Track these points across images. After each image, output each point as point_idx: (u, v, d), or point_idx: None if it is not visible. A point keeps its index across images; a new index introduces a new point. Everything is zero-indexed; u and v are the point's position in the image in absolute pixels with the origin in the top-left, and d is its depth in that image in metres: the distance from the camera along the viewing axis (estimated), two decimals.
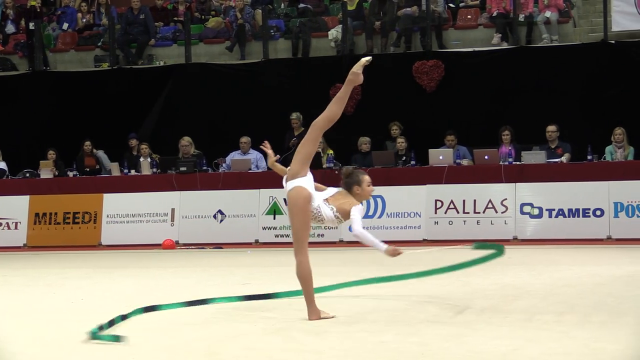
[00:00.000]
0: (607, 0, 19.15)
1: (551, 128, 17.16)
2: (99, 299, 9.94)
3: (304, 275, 8.16)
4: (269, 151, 9.18)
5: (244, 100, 20.08)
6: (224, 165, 18.26)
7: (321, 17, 21.25)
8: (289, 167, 8.62)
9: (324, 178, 17.07)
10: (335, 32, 20.53)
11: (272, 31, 20.99)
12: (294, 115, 18.64)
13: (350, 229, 8.39)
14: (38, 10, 22.57)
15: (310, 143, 8.44)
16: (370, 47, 20.24)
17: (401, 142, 17.85)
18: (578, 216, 15.99)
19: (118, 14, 22.37)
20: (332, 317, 8.14)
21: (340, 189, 8.65)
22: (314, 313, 8.09)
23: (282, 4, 22.28)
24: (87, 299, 9.99)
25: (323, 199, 8.48)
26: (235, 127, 19.31)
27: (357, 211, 8.40)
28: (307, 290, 8.14)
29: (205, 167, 18.07)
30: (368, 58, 8.39)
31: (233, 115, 19.90)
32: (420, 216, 16.54)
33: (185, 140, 18.49)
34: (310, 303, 8.14)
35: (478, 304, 8.81)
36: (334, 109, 8.50)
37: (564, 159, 16.76)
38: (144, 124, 20.35)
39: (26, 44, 21.89)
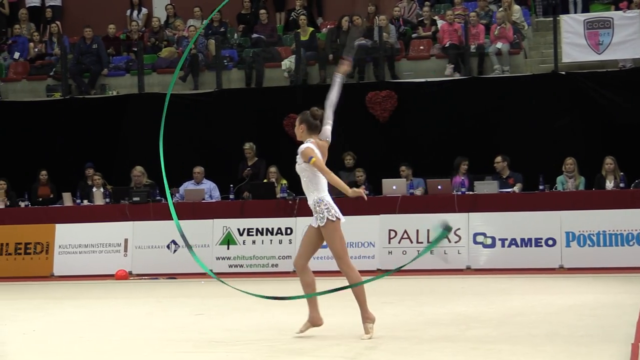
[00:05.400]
0: (558, 32, 19.41)
1: (498, 159, 17.31)
2: (51, 330, 9.85)
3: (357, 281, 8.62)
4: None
5: (198, 130, 20.04)
6: (177, 195, 18.18)
7: (274, 47, 21.30)
8: None
9: (278, 208, 17.27)
10: (288, 63, 20.59)
11: (225, 61, 21.00)
12: (247, 145, 18.63)
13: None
14: None
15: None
16: (324, 78, 20.32)
17: (360, 175, 17.84)
18: (530, 246, 16.10)
19: (70, 43, 22.25)
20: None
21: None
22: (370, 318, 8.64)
23: (236, 34, 22.33)
24: (39, 330, 9.89)
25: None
26: (188, 156, 19.26)
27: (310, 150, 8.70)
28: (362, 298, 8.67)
29: (158, 197, 17.98)
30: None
31: (186, 145, 19.85)
32: (374, 246, 16.57)
33: (138, 170, 18.40)
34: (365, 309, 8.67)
35: (431, 333, 8.84)
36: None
37: (516, 189, 16.90)
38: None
39: None
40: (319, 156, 8.75)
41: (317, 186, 8.86)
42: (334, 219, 8.74)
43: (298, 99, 19.75)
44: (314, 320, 8.86)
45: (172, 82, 12.65)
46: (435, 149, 19.02)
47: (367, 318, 8.63)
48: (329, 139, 9.06)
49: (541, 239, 16.06)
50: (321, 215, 8.78)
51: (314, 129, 8.95)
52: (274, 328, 9.19)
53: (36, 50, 22.38)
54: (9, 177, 19.16)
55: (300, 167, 8.83)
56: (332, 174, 8.79)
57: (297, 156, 8.81)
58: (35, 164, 19.61)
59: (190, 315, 10.88)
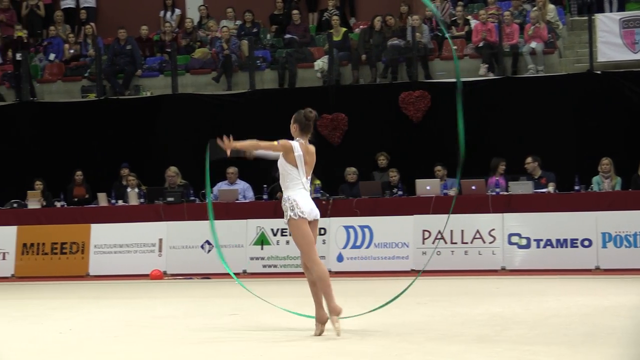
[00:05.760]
0: (593, 31, 19.29)
1: (528, 160, 17.22)
2: (87, 330, 9.91)
3: (322, 275, 8.83)
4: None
5: (230, 130, 19.98)
6: (211, 195, 18.22)
7: (307, 47, 21.32)
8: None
9: None
10: (321, 63, 20.59)
11: (258, 62, 21.04)
12: None
13: None
14: (25, 41, 22.57)
15: None
16: (356, 78, 20.32)
17: (394, 175, 17.83)
18: (566, 246, 16.01)
19: (105, 44, 22.38)
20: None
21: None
22: (334, 310, 8.73)
23: (268, 35, 22.36)
24: (75, 329, 9.95)
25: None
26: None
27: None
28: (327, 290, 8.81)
29: (192, 198, 18.04)
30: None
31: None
32: (408, 246, 16.52)
33: (172, 171, 18.48)
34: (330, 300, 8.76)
35: (467, 335, 8.80)
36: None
37: (550, 189, 16.81)
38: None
39: (13, 75, 21.89)
40: (297, 152, 9.12)
41: (287, 184, 9.15)
42: (296, 217, 8.92)
43: (331, 100, 19.78)
44: (321, 318, 8.97)
45: None
46: (469, 149, 18.87)
47: (333, 311, 8.82)
48: None
49: (577, 239, 15.97)
50: (286, 212, 9.02)
51: (306, 129, 9.32)
52: (310, 329, 9.17)
53: (71, 51, 22.52)
54: (45, 177, 19.29)
55: (279, 161, 9.27)
56: (272, 147, 9.38)
57: None
58: (71, 164, 19.73)
59: (225, 316, 10.90)
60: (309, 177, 9.19)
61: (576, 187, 16.68)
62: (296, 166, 9.09)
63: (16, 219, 18.21)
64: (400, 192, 17.55)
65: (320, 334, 8.89)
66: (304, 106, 20.52)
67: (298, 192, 9.05)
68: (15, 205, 18.72)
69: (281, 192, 9.26)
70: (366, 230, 16.53)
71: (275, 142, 9.13)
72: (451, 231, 16.32)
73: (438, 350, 8.00)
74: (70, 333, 9.68)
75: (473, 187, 16.91)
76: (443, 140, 19.13)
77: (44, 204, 18.68)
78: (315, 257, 8.96)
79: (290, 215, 8.94)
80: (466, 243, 16.29)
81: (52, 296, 14.28)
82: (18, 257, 17.64)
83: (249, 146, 9.12)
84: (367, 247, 16.55)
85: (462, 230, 16.30)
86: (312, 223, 9.03)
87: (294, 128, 9.35)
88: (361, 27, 21.77)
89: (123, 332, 9.56)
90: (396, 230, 16.58)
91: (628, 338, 8.49)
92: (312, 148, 9.23)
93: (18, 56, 21.68)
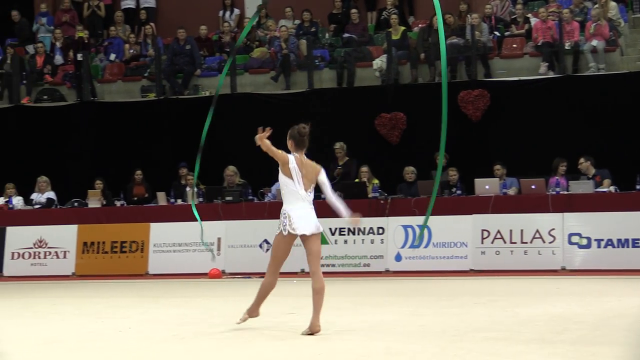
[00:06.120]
0: None
1: (581, 160, 17.03)
2: (146, 328, 9.97)
3: (266, 285, 9.61)
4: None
5: (289, 130, 20.08)
6: (269, 194, 18.28)
7: (366, 46, 21.29)
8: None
9: (369, 208, 17.22)
10: (379, 62, 20.54)
11: (316, 61, 21.05)
12: (338, 145, 18.66)
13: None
14: (86, 41, 22.82)
15: None
16: (415, 77, 20.25)
17: (453, 174, 17.73)
18: (627, 246, 15.79)
19: (164, 44, 22.56)
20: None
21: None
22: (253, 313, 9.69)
23: (327, 34, 22.36)
24: (134, 328, 10.02)
25: None
26: None
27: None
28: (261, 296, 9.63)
29: (250, 197, 18.10)
30: None
31: (278, 145, 19.91)
32: (466, 246, 16.41)
33: (230, 170, 18.55)
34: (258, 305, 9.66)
35: (526, 335, 8.72)
36: None
37: (611, 188, 16.59)
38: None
39: (74, 75, 22.14)
40: (291, 164, 9.41)
41: (286, 196, 9.45)
42: (285, 232, 9.29)
43: (389, 99, 19.73)
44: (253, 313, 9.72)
45: (219, 84, 13.01)
46: (529, 148, 18.79)
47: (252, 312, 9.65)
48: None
49: (638, 239, 15.75)
50: (278, 224, 9.39)
51: (301, 144, 9.59)
52: (368, 328, 9.15)
53: (131, 51, 22.71)
54: (105, 176, 19.47)
55: (279, 174, 9.55)
56: (276, 155, 9.53)
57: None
58: (130, 163, 19.88)
59: (283, 314, 10.91)
60: (310, 191, 9.41)
61: (638, 187, 16.44)
62: (292, 178, 9.35)
63: (77, 218, 18.42)
64: (458, 192, 17.45)
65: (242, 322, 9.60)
66: (362, 105, 20.62)
67: (296, 205, 9.32)
68: (75, 204, 18.94)
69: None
70: (425, 229, 16.43)
71: (280, 152, 9.44)
72: (510, 231, 16.20)
73: (497, 350, 7.93)
74: (130, 331, 9.75)
75: (533, 187, 16.76)
76: (502, 139, 19.02)
77: (104, 203, 18.87)
78: (273, 270, 9.53)
79: (280, 228, 9.34)
80: (525, 243, 16.14)
81: (112, 295, 14.40)
82: (78, 256, 17.82)
83: (267, 147, 9.46)
84: (426, 246, 16.45)
85: (522, 230, 16.16)
86: (311, 237, 9.33)
87: (289, 144, 9.64)
88: (420, 25, 21.69)
89: (182, 331, 9.61)
90: (455, 230, 16.48)
91: None
92: (308, 162, 9.53)
93: (79, 56, 21.91)
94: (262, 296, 9.60)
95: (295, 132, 9.60)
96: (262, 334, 9.21)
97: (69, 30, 23.54)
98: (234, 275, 16.93)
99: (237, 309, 11.49)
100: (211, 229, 17.43)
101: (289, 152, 9.55)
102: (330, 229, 16.83)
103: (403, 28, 21.07)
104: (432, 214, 16.31)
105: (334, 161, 18.68)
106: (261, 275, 16.47)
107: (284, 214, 9.30)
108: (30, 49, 23.54)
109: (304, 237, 9.31)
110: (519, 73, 19.81)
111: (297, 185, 9.32)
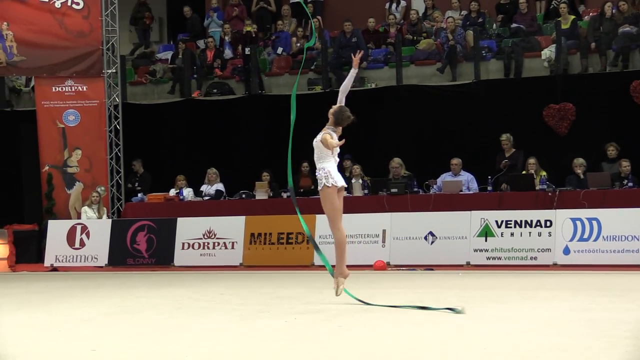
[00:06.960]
0: None
1: None
2: (309, 320, 10.02)
3: (340, 241, 10.99)
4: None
5: (455, 121, 19.97)
6: (434, 186, 18.19)
7: (534, 36, 20.91)
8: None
9: (537, 200, 16.93)
10: (548, 52, 20.16)
11: (483, 52, 20.81)
12: (504, 137, 18.41)
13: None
14: (254, 35, 23.18)
15: None
16: (585, 67, 19.77)
17: (626, 166, 17.23)
18: None
19: (331, 37, 22.70)
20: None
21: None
22: (343, 273, 11.00)
23: (494, 25, 22.08)
24: (299, 319, 10.08)
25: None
26: (445, 148, 19.22)
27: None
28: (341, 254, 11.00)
29: (416, 189, 18.04)
30: None
31: (444, 137, 19.82)
32: (638, 240, 15.89)
33: (396, 162, 18.54)
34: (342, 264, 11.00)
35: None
36: None
37: None
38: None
39: (243, 69, 22.53)
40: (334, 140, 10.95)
41: (320, 160, 11.10)
42: (330, 185, 10.82)
43: (558, 89, 19.33)
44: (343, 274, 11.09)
45: (294, 88, 13.23)
46: None
47: (340, 273, 11.01)
48: None
49: None
50: (320, 180, 10.92)
51: (337, 124, 11.30)
52: (535, 322, 8.96)
53: (298, 45, 22.94)
54: (271, 168, 19.73)
55: (316, 143, 11.16)
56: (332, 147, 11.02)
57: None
58: (299, 155, 20.04)
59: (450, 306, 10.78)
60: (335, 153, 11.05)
61: None
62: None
63: (244, 209, 18.74)
64: (630, 184, 16.95)
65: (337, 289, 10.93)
66: (530, 96, 20.21)
67: (331, 164, 10.96)
68: (243, 195, 19.28)
69: None
70: (594, 222, 16.03)
71: (335, 142, 10.94)
72: None
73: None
74: (295, 322, 9.83)
75: None
76: None
77: (271, 194, 19.12)
78: (339, 224, 10.92)
79: (324, 184, 10.83)
80: None
81: (278, 285, 14.54)
82: (246, 247, 18.11)
83: (336, 144, 10.99)
84: (595, 240, 16.05)
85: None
86: (340, 191, 10.89)
87: (331, 119, 11.29)
88: (591, 14, 21.17)
89: (347, 322, 9.63)
90: (626, 223, 16.01)
91: None
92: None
93: (247, 50, 22.29)
94: (341, 253, 10.89)
95: (343, 115, 11.22)
96: (427, 330, 9.11)
97: (238, 25, 23.97)
98: (398, 267, 16.90)
99: (401, 301, 11.46)
100: (376, 220, 17.47)
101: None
102: (497, 221, 16.61)
103: (573, 17, 20.61)
104: (602, 206, 16.12)
105: (500, 153, 18.44)
106: (427, 267, 16.55)
107: (325, 170, 10.90)
108: (200, 43, 24.10)
109: (339, 190, 10.87)
110: None
111: (333, 151, 10.96)
